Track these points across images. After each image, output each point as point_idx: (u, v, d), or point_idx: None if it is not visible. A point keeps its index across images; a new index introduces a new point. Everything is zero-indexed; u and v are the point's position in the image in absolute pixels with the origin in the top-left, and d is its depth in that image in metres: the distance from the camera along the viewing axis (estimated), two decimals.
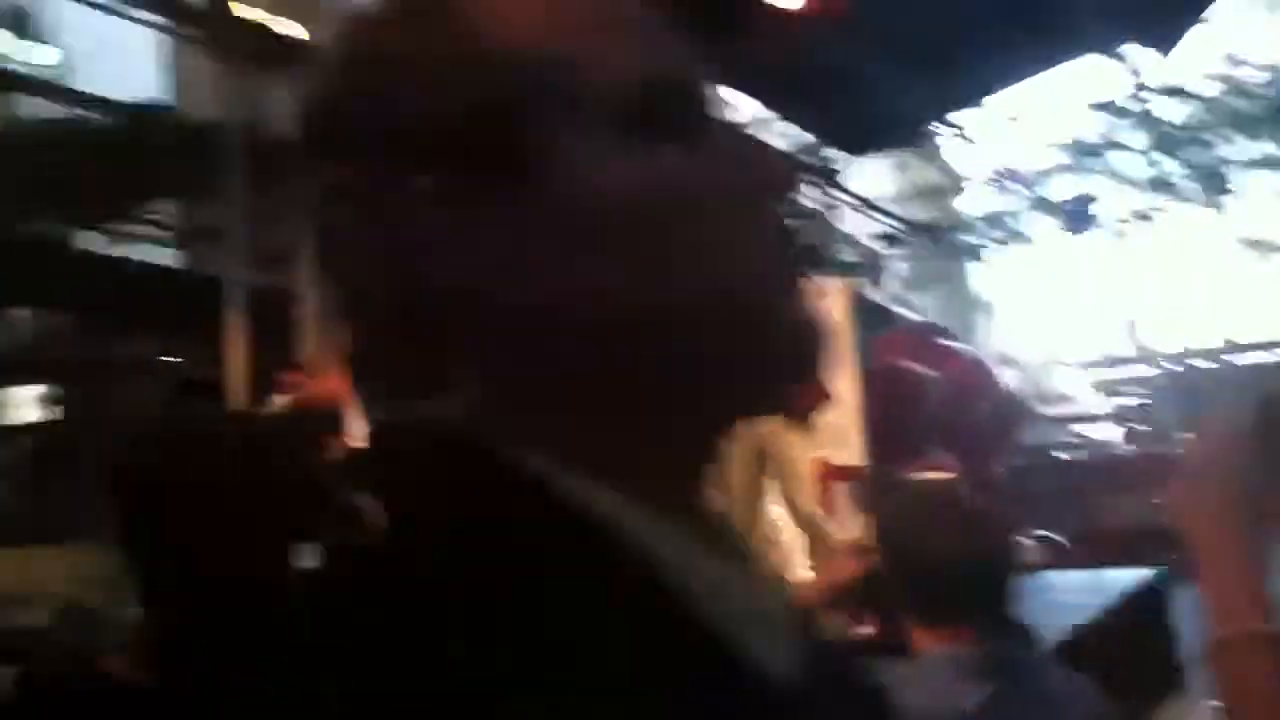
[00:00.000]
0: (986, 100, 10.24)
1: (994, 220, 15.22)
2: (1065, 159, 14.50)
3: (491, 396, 0.51)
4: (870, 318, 8.51)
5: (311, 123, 0.53)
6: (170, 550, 1.14)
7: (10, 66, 8.08)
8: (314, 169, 0.54)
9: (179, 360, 10.83)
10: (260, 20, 8.02)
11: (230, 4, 7.83)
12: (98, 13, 8.22)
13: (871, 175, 13.68)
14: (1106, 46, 9.53)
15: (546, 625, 0.44)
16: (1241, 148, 13.50)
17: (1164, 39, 7.34)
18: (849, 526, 5.40)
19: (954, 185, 16.32)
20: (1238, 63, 12.90)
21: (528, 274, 0.49)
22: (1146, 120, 13.38)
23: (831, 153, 10.72)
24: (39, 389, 9.83)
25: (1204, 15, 7.65)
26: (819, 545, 5.32)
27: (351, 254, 0.53)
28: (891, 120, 7.84)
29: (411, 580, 0.45)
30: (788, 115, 8.37)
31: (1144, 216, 14.77)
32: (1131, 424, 17.08)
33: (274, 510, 1.16)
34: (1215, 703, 0.97)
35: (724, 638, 0.47)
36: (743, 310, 0.50)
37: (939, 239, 15.28)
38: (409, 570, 0.46)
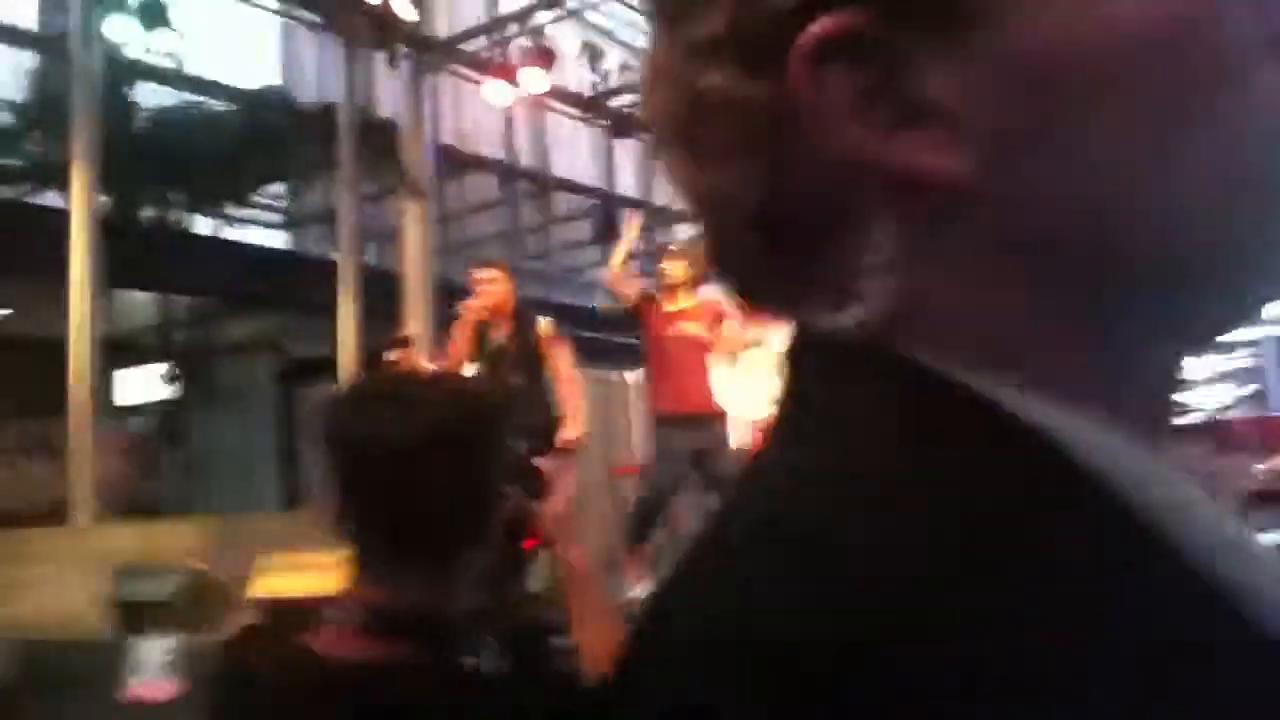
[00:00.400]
0: None
1: None
2: None
3: (916, 306, 0.39)
4: None
5: None
6: (383, 512, 1.11)
7: (136, 55, 8.33)
8: (684, 14, 0.40)
9: (291, 340, 11.12)
10: (380, 4, 8.12)
11: None
12: (218, 0, 8.43)
13: None
14: None
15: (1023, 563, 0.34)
16: None
17: None
18: None
19: None
20: None
21: (973, 150, 0.37)
22: None
23: None
24: (159, 369, 10.16)
25: None
26: None
27: (725, 130, 0.40)
28: None
29: (862, 503, 0.35)
30: None
31: None
32: (1239, 386, 16.46)
33: (487, 466, 1.12)
34: None
35: (1232, 593, 0.36)
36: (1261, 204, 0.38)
37: None
38: (853, 492, 0.36)
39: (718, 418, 5.32)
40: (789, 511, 0.37)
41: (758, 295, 0.45)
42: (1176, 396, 0.42)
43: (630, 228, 5.59)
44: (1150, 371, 0.41)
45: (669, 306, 5.31)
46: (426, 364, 6.05)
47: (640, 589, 5.01)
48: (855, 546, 0.34)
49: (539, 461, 1.33)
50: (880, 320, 0.40)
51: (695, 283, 5.33)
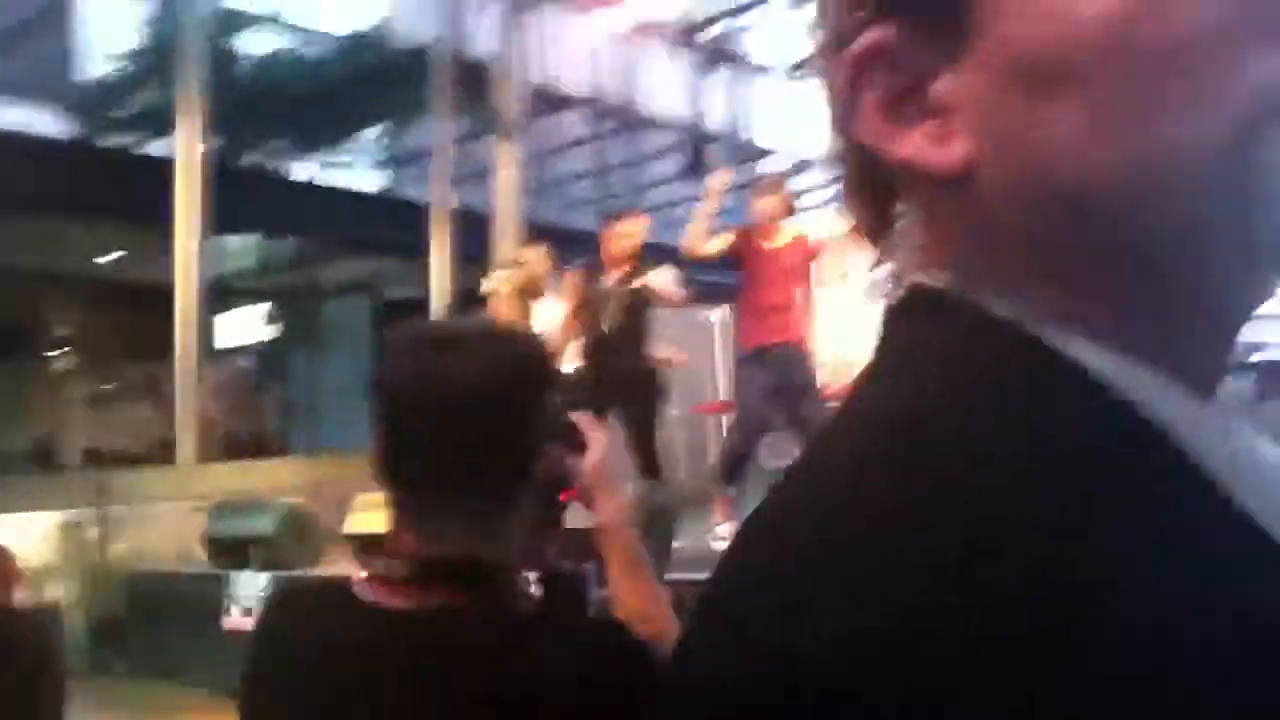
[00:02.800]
0: None
1: None
2: None
3: (966, 268, 0.46)
4: None
5: None
6: (428, 460, 1.12)
7: (239, 4, 8.50)
8: (821, 18, 0.50)
9: (386, 282, 11.35)
10: None
11: None
12: None
13: None
14: None
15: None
16: None
17: None
18: None
19: None
20: None
21: (979, 132, 0.44)
22: None
23: None
24: (259, 310, 10.48)
25: None
26: None
27: (831, 115, 0.49)
28: None
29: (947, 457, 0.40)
30: None
31: None
32: None
33: (532, 417, 1.13)
34: None
35: None
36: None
37: None
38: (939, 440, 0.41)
39: (805, 352, 5.27)
40: (876, 454, 0.41)
41: (875, 244, 0.53)
42: (1230, 344, 0.48)
43: (713, 193, 5.45)
44: (1196, 325, 0.45)
45: (764, 243, 5.25)
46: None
47: (727, 529, 5.01)
48: (940, 489, 0.38)
49: (575, 416, 1.34)
50: (932, 272, 0.47)
51: (787, 215, 5.28)
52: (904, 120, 0.45)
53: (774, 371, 5.15)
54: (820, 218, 6.32)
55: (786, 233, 5.25)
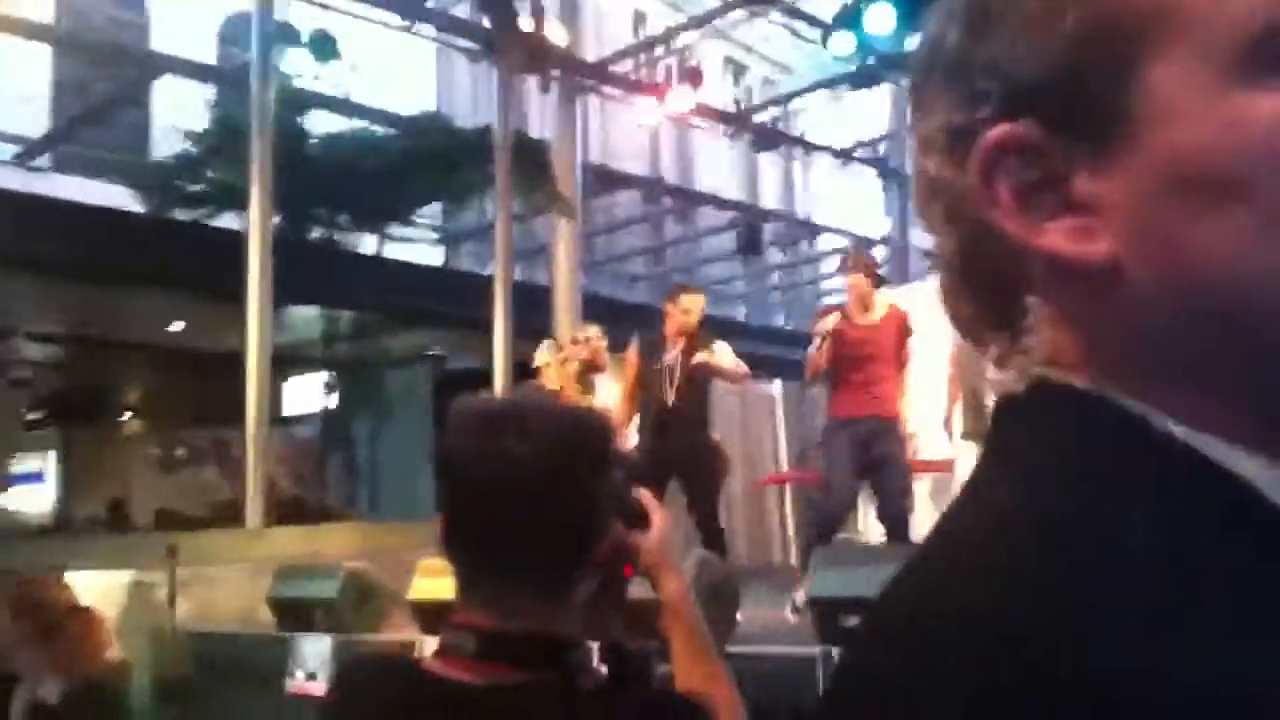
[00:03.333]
0: None
1: None
2: None
3: (1096, 363, 0.47)
4: None
5: (917, 65, 0.51)
6: (493, 537, 1.13)
7: (307, 85, 8.81)
8: (920, 112, 0.51)
9: (448, 352, 11.53)
10: (532, 30, 8.36)
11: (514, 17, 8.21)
12: (381, 29, 8.83)
13: None
14: None
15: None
16: None
17: None
18: None
19: None
20: None
21: (1129, 233, 0.45)
22: None
23: None
24: (321, 379, 10.66)
25: None
26: None
27: (940, 204, 0.50)
28: None
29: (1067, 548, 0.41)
30: None
31: None
32: None
33: (595, 494, 1.14)
34: None
35: None
36: None
37: None
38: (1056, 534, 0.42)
39: (894, 425, 5.17)
40: (1002, 547, 0.42)
41: (976, 340, 0.53)
42: None
43: (824, 327, 5.41)
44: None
45: (859, 319, 5.22)
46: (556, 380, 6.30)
47: (801, 598, 4.83)
48: (1070, 583, 0.40)
49: (636, 492, 1.35)
50: (1061, 368, 0.47)
51: (875, 287, 5.28)
52: (1039, 213, 0.45)
53: (861, 442, 5.09)
54: (910, 294, 6.31)
55: (880, 306, 5.24)
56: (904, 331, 5.21)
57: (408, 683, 1.14)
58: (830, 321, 5.22)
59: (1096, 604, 0.39)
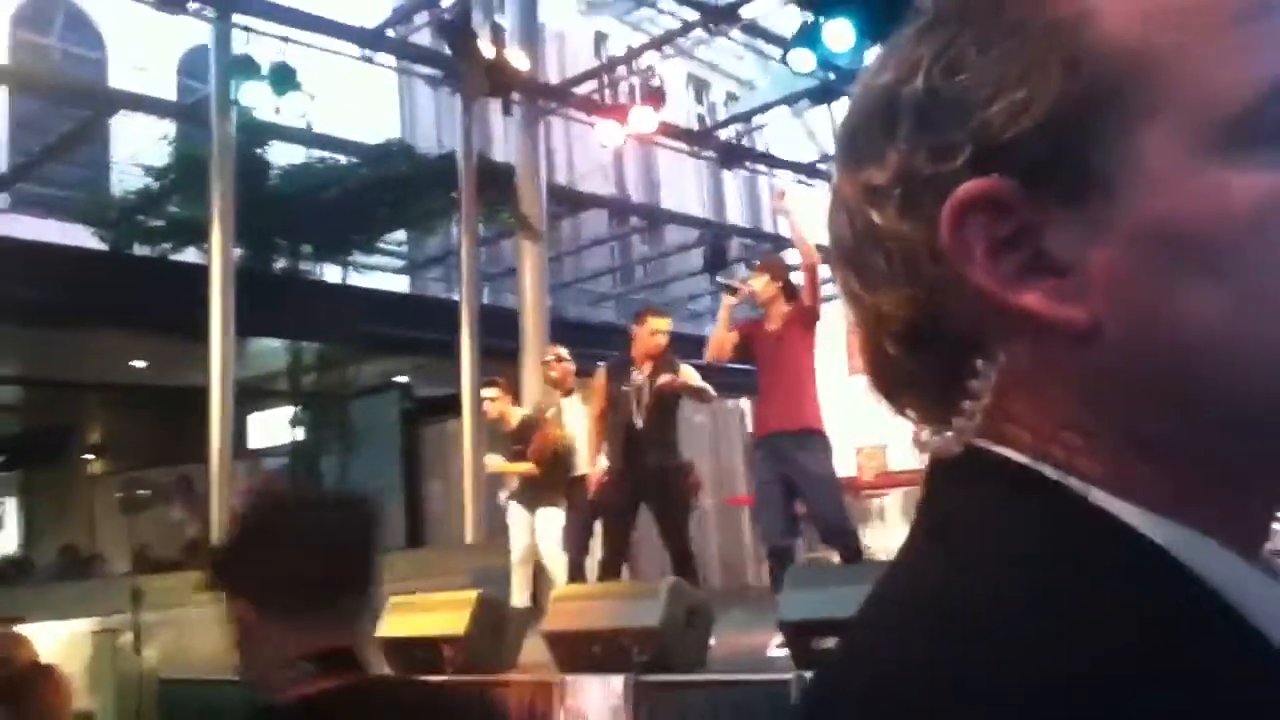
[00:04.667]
0: None
1: None
2: None
3: (1049, 429, 0.45)
4: None
5: (857, 110, 0.49)
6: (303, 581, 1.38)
7: (266, 117, 8.74)
8: (861, 161, 0.48)
9: (415, 380, 11.46)
10: (492, 55, 8.34)
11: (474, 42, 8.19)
12: (341, 59, 8.79)
13: None
14: None
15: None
16: None
17: None
18: None
19: None
20: None
21: (1108, 296, 0.43)
22: None
23: None
24: (287, 412, 10.55)
25: None
26: None
27: (881, 258, 0.47)
28: None
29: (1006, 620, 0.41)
30: None
31: None
32: None
33: (369, 553, 1.41)
34: None
35: None
36: None
37: None
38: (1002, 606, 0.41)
39: (817, 440, 4.99)
40: (941, 634, 0.41)
41: (895, 401, 0.51)
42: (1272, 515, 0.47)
43: (726, 306, 5.33)
44: (1262, 494, 0.46)
45: (768, 325, 5.10)
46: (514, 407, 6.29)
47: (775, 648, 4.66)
48: (1015, 673, 0.39)
49: None
50: (998, 434, 0.46)
51: (785, 294, 5.10)
52: (1010, 270, 0.44)
53: (784, 461, 4.91)
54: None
55: (786, 309, 5.07)
56: (806, 321, 5.01)
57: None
58: (733, 336, 5.13)
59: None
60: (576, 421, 6.07)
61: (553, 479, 5.97)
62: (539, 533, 6.01)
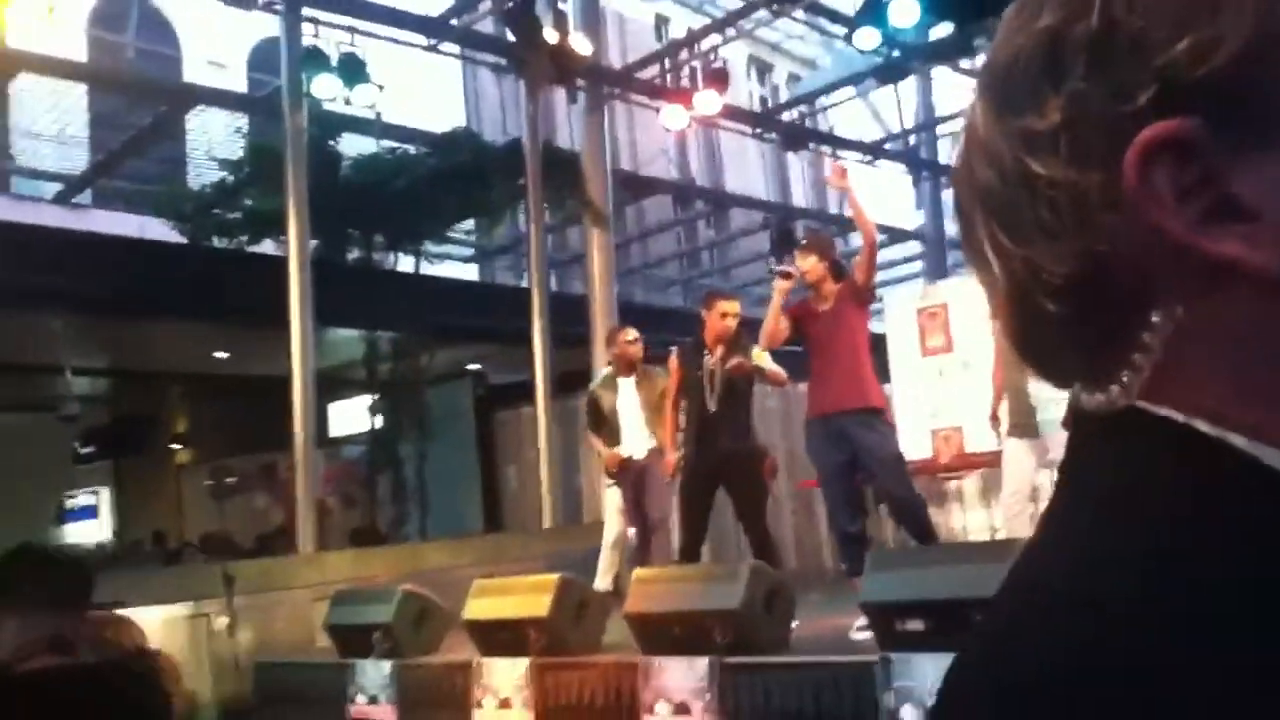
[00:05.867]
0: None
1: None
2: None
3: (1222, 387, 0.44)
4: None
5: (1005, 54, 0.47)
6: None
7: (338, 109, 8.88)
8: (1016, 108, 0.46)
9: (488, 366, 11.59)
10: (556, 41, 8.37)
11: (539, 30, 8.23)
12: (405, 49, 8.88)
13: None
14: None
15: None
16: None
17: None
18: None
19: None
20: None
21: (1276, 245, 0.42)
22: None
23: None
24: (365, 401, 10.73)
25: None
26: None
27: (1048, 209, 0.45)
28: None
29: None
30: None
31: None
32: None
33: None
34: None
35: None
36: None
37: None
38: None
39: (878, 418, 4.95)
40: (1099, 589, 0.41)
41: (1044, 361, 0.50)
42: None
43: (779, 290, 5.24)
44: None
45: (818, 305, 5.04)
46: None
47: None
48: (1177, 625, 0.39)
49: None
50: (1158, 391, 0.44)
51: (833, 272, 5.04)
52: (1200, 218, 0.42)
53: (848, 440, 4.87)
54: (951, 289, 5.99)
55: (834, 289, 5.00)
56: (860, 297, 4.94)
57: None
58: (786, 320, 5.02)
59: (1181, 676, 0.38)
60: (629, 403, 6.10)
61: None
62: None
